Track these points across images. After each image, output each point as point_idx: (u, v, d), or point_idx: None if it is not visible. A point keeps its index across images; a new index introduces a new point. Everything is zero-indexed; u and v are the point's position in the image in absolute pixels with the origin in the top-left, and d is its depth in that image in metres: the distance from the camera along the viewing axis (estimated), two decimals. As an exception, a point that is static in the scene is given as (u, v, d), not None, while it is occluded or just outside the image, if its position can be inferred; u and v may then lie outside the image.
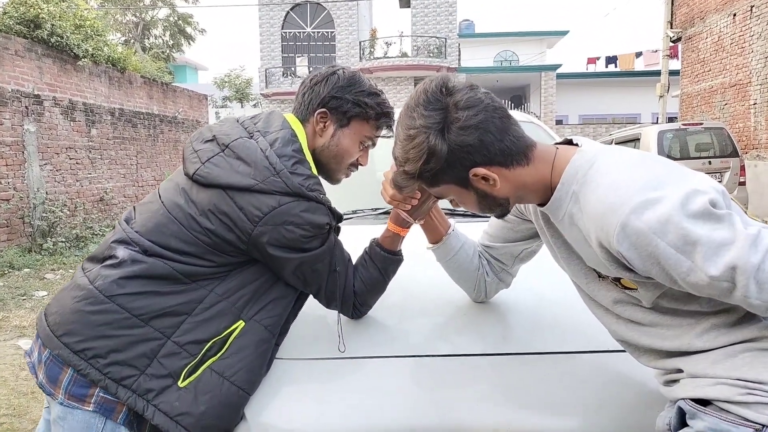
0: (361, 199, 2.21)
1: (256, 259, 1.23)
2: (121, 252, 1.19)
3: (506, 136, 1.03)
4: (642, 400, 1.18)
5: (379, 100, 1.36)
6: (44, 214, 8.03)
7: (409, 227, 1.36)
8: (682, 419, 0.99)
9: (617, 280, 1.05)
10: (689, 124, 9.23)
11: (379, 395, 1.21)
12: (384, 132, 1.41)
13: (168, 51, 30.07)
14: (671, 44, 14.69)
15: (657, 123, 15.66)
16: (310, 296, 1.35)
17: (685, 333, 1.00)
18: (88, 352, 1.13)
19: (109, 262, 1.20)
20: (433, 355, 1.29)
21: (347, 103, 1.33)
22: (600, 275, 1.09)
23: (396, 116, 1.24)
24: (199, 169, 1.21)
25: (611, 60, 25.34)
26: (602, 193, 0.94)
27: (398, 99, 23.45)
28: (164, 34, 30.92)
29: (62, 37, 8.75)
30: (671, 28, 14.22)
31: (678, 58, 15.98)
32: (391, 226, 1.37)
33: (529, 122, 2.86)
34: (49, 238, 8.00)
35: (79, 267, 1.26)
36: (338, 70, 1.37)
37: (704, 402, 0.96)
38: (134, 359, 1.15)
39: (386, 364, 1.28)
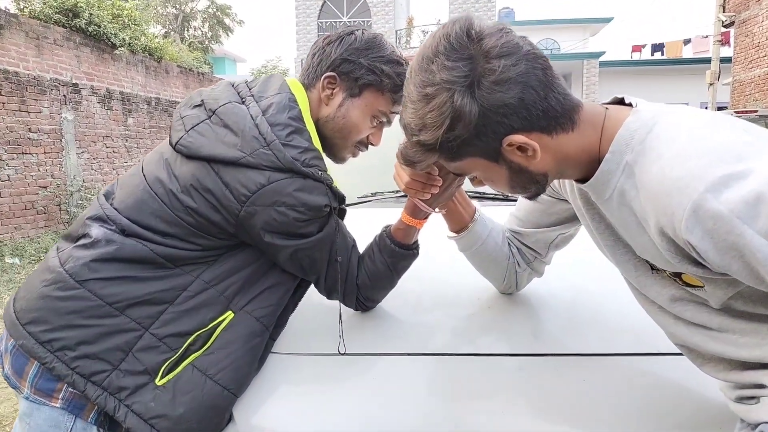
0: (380, 181, 2.03)
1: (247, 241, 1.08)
2: (96, 230, 1.05)
3: (551, 92, 0.80)
4: (702, 415, 0.97)
5: (399, 69, 1.16)
6: (80, 202, 8.15)
7: (426, 218, 1.16)
8: None
9: (677, 275, 0.84)
10: (742, 112, 8.72)
11: (386, 398, 1.04)
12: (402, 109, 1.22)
13: (207, 43, 30.44)
14: (723, 30, 13.96)
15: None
16: (311, 285, 1.19)
17: (765, 341, 0.79)
18: (55, 343, 1.00)
19: (82, 241, 1.06)
20: (449, 354, 1.10)
21: (361, 68, 1.13)
22: (653, 268, 0.89)
23: None
24: (182, 138, 1.06)
25: (657, 47, 24.35)
26: (666, 165, 0.72)
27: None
28: (203, 26, 31.29)
29: (100, 27, 8.86)
30: (724, 11, 13.50)
31: (729, 45, 15.19)
32: (405, 218, 1.16)
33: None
34: (85, 225, 8.10)
35: (54, 246, 1.13)
36: (357, 30, 1.18)
37: None
38: (106, 352, 1.01)
39: (395, 362, 1.11)
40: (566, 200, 1.06)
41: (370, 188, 1.99)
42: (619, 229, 0.89)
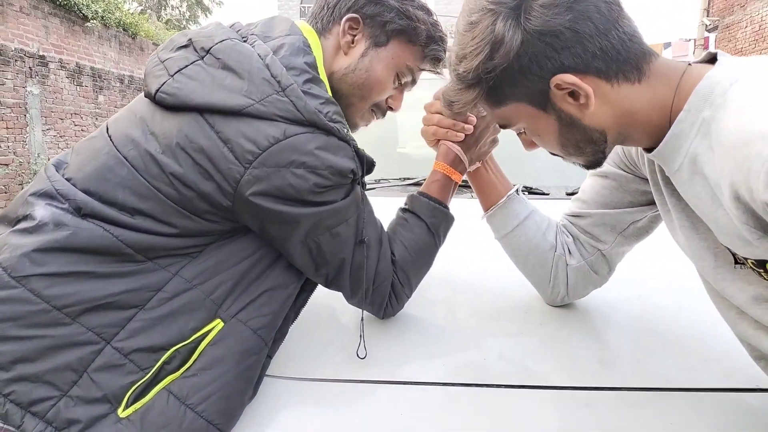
0: (384, 168, 1.81)
1: (245, 227, 0.84)
2: (41, 210, 0.79)
3: (614, 30, 0.68)
4: None
5: (432, 19, 0.97)
6: (45, 181, 7.73)
7: (463, 171, 1.00)
8: None
9: (762, 264, 0.67)
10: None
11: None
12: (431, 66, 1.00)
13: (185, 22, 29.68)
14: (708, 32, 14.04)
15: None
16: (317, 288, 0.95)
17: None
18: None
19: (22, 225, 0.80)
20: (491, 385, 0.86)
21: (390, 10, 0.94)
22: (737, 261, 0.72)
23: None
24: (164, 84, 0.82)
25: (638, 50, 24.63)
26: (748, 112, 0.58)
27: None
28: (181, 5, 30.51)
29: (71, -4, 8.37)
30: (708, 16, 13.54)
31: (708, 50, 15.35)
32: (439, 165, 1.00)
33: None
34: (49, 206, 7.71)
35: None
36: None
37: None
38: (52, 373, 0.75)
39: (422, 393, 0.86)
40: (646, 179, 0.87)
41: (373, 175, 1.77)
42: (697, 208, 0.72)
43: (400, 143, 2.25)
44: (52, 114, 8.34)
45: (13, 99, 7.47)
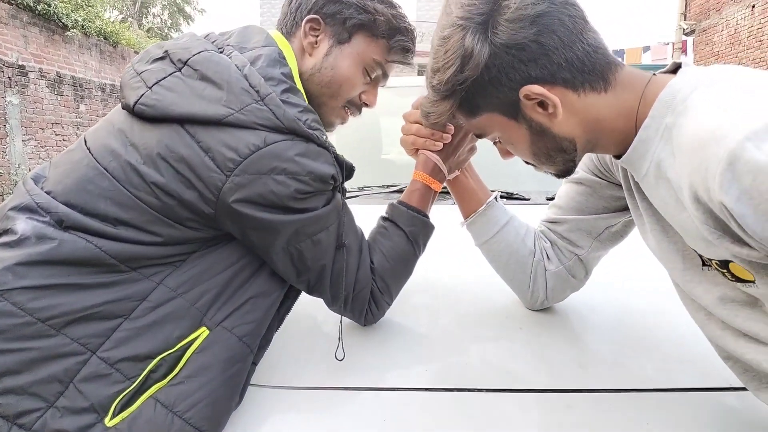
0: (368, 175, 1.83)
1: (228, 234, 0.85)
2: (22, 224, 0.80)
3: (578, 42, 0.72)
4: None
5: (394, 11, 0.99)
6: (26, 192, 7.64)
7: (442, 180, 1.01)
8: None
9: (725, 265, 0.69)
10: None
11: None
12: (400, 58, 1.02)
13: (166, 30, 29.50)
14: (685, 36, 14.29)
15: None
16: (300, 295, 0.96)
17: None
18: None
19: (3, 239, 0.80)
20: (474, 390, 0.88)
21: (349, 7, 0.96)
22: (704, 262, 0.74)
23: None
24: (143, 96, 0.82)
25: (618, 54, 24.86)
26: (704, 117, 0.62)
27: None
28: (163, 13, 30.33)
29: (50, 5, 8.29)
30: (685, 20, 13.80)
31: (686, 54, 15.57)
32: (418, 174, 1.01)
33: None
34: (30, 217, 7.61)
35: None
36: None
37: None
38: (38, 385, 0.75)
39: (406, 399, 0.87)
40: (619, 184, 0.90)
41: (356, 182, 1.78)
42: (663, 211, 0.75)
43: (385, 150, 2.27)
44: (33, 124, 8.24)
45: (-8, 109, 7.39)
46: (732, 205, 0.56)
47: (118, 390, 0.78)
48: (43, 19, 8.37)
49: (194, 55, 0.85)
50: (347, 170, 0.90)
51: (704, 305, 0.77)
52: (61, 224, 0.79)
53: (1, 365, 0.74)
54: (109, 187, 0.80)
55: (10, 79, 7.71)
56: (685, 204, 0.65)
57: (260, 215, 0.81)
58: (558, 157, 0.80)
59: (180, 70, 0.84)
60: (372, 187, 1.74)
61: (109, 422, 0.77)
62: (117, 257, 0.79)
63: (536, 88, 0.72)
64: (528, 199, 1.65)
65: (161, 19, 30.21)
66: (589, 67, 0.72)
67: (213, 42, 0.90)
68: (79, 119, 9.36)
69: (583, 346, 0.99)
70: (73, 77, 9.19)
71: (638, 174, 0.76)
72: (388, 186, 1.73)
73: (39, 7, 8.14)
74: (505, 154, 0.87)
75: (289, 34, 0.99)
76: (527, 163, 0.85)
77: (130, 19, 27.78)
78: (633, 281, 1.14)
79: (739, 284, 0.70)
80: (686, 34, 14.05)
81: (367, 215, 1.09)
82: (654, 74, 0.75)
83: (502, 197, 1.16)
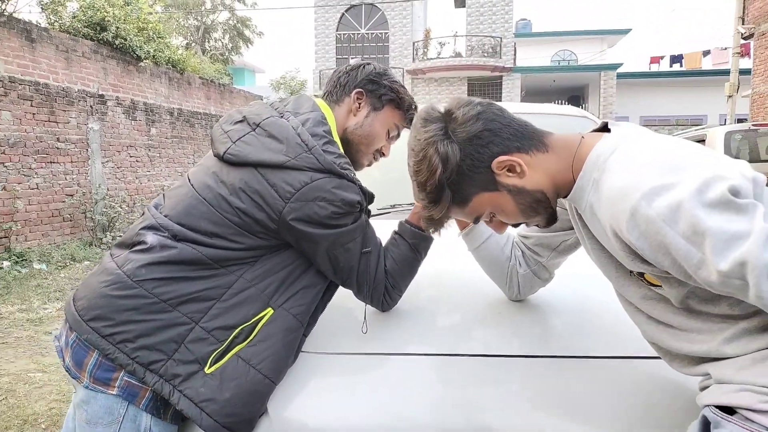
0: (399, 194, 2.17)
1: (286, 243, 1.20)
2: (150, 238, 1.18)
3: (512, 122, 1.01)
4: (678, 410, 1.06)
5: (409, 94, 1.40)
6: (105, 210, 8.38)
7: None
8: (707, 427, 0.90)
9: (642, 275, 0.96)
10: (760, 125, 8.68)
11: (405, 394, 1.14)
12: (408, 125, 1.41)
13: (227, 54, 30.94)
14: (742, 41, 13.91)
15: (725, 124, 14.88)
16: (338, 288, 1.31)
17: (714, 338, 0.91)
18: (116, 336, 1.12)
19: (137, 247, 1.19)
20: (462, 355, 1.21)
21: (383, 87, 1.37)
22: (631, 272, 1.01)
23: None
24: (229, 148, 1.19)
25: (676, 59, 24.26)
26: (617, 179, 0.87)
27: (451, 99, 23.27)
28: (224, 37, 31.83)
29: (126, 40, 9.13)
30: (743, 24, 13.46)
31: (750, 57, 15.11)
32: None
33: (582, 117, 2.73)
34: (108, 233, 8.34)
35: (107, 253, 1.26)
36: (371, 62, 1.41)
37: (730, 410, 0.87)
38: (162, 344, 1.13)
39: (413, 361, 1.21)
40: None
41: (388, 201, 2.12)
42: (598, 236, 1.02)
43: None
44: (110, 147, 9.05)
45: (76, 135, 8.19)
46: (635, 242, 0.84)
47: (212, 349, 1.14)
48: (120, 52, 9.22)
49: (264, 120, 1.21)
50: (369, 198, 1.24)
51: (632, 302, 1.05)
52: (176, 237, 1.17)
53: (138, 330, 1.12)
54: (206, 211, 1.17)
55: (92, 108, 8.53)
56: (609, 236, 0.93)
57: (308, 230, 1.16)
58: (539, 207, 1.02)
59: (254, 129, 1.21)
60: (402, 204, 2.07)
61: (207, 370, 1.13)
62: (212, 259, 1.16)
63: (502, 158, 0.98)
64: None
65: (222, 43, 31.67)
66: (528, 135, 1.00)
67: (276, 109, 1.27)
68: (150, 142, 10.16)
69: (544, 325, 1.31)
70: (145, 103, 10.01)
71: (580, 209, 1.00)
72: (413, 203, 2.06)
73: (117, 42, 8.98)
74: (500, 227, 1.10)
75: (337, 100, 1.36)
76: (518, 225, 1.11)
77: (194, 44, 29.40)
78: (585, 279, 1.41)
79: (653, 287, 0.98)
80: (744, 38, 13.68)
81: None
82: (582, 137, 1.02)
83: None
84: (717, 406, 0.88)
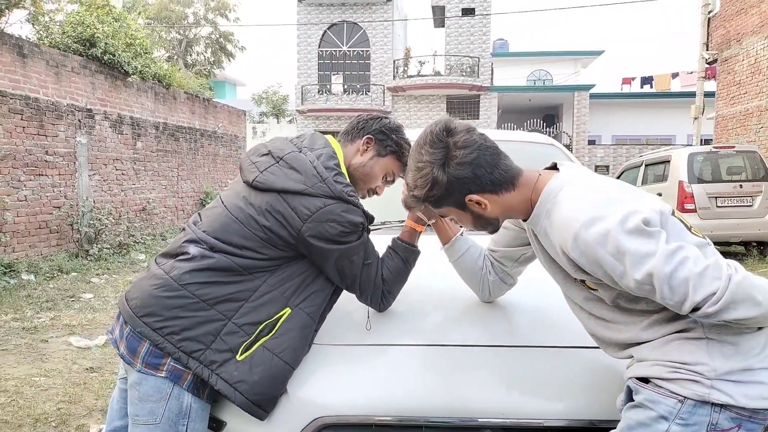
0: (390, 212, 2.45)
1: (302, 254, 1.47)
2: (192, 249, 1.45)
3: (496, 169, 1.26)
4: (612, 386, 1.36)
5: (410, 146, 1.63)
6: (91, 222, 8.50)
7: (423, 225, 1.62)
8: (630, 395, 1.22)
9: (583, 282, 1.27)
10: (721, 147, 9.20)
11: (399, 377, 1.43)
12: (402, 174, 1.67)
13: (209, 67, 31.03)
14: (708, 66, 14.61)
15: (692, 145, 15.52)
16: (343, 292, 1.58)
17: (634, 327, 1.23)
18: (165, 329, 1.38)
19: (182, 257, 1.45)
20: (446, 345, 1.50)
21: (390, 140, 1.64)
22: (574, 278, 1.30)
23: None
24: (257, 177, 1.47)
25: (647, 80, 25.14)
26: (564, 211, 1.17)
27: (429, 117, 23.74)
28: (206, 51, 31.93)
29: (114, 55, 9.30)
30: (707, 50, 14.16)
31: (715, 79, 15.84)
32: (409, 223, 1.63)
33: (549, 144, 3.06)
34: (94, 245, 8.46)
35: (153, 261, 1.52)
36: (390, 117, 1.71)
37: (646, 380, 1.18)
38: (202, 336, 1.39)
39: (406, 351, 1.50)
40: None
41: (380, 218, 2.40)
42: (549, 252, 1.31)
43: (400, 195, 2.92)
44: (97, 160, 9.18)
45: (64, 149, 8.33)
46: (577, 258, 1.15)
47: (242, 341, 1.41)
48: (108, 68, 9.38)
49: (286, 154, 1.49)
50: (370, 219, 1.52)
51: (576, 302, 1.35)
52: (213, 249, 1.44)
53: (183, 324, 1.38)
54: (238, 228, 1.44)
55: (80, 122, 8.68)
56: (558, 253, 1.23)
57: (320, 245, 1.44)
58: (488, 226, 1.35)
59: (278, 162, 1.49)
60: (391, 221, 2.36)
61: (239, 357, 1.40)
62: (242, 267, 1.43)
63: (474, 197, 1.26)
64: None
65: (204, 56, 31.76)
66: (503, 181, 1.26)
67: (295, 144, 1.55)
68: (136, 155, 10.30)
69: (511, 321, 1.62)
70: (131, 117, 10.17)
71: (536, 231, 1.32)
72: (402, 221, 2.34)
73: (105, 57, 9.15)
74: (456, 223, 1.49)
75: (352, 140, 1.64)
76: (471, 230, 1.43)
77: (176, 57, 29.46)
78: (541, 284, 1.69)
79: (591, 291, 1.28)
80: (709, 63, 14.38)
81: (388, 242, 1.71)
82: (539, 174, 1.31)
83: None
84: (637, 378, 1.20)
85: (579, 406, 1.37)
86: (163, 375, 1.39)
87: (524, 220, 1.33)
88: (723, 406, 1.10)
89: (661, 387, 1.15)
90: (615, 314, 1.26)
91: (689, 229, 1.20)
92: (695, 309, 1.06)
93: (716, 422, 1.11)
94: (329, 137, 1.62)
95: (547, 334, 1.54)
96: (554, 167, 1.34)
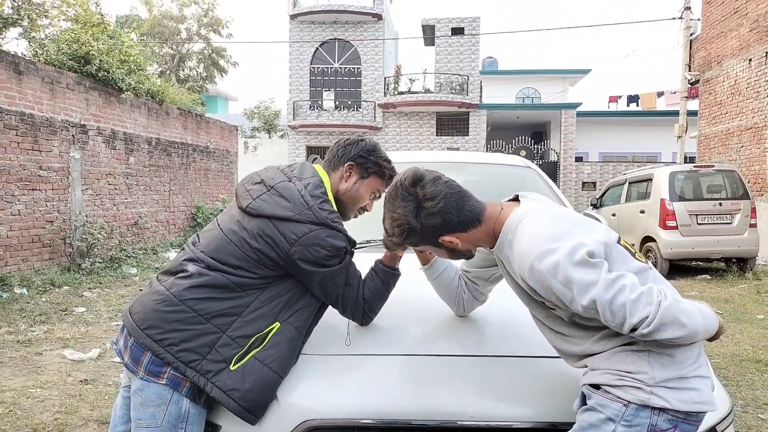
0: (374, 231, 2.60)
1: (290, 274, 1.61)
2: (191, 267, 1.59)
3: (462, 212, 1.44)
4: (571, 391, 1.51)
5: (391, 165, 1.80)
6: (83, 236, 8.58)
7: (404, 250, 1.75)
8: (584, 400, 1.38)
9: (543, 302, 1.43)
10: (700, 166, 9.47)
11: (380, 384, 1.57)
12: (386, 189, 1.82)
13: (201, 82, 31.21)
14: (690, 86, 15.00)
15: (676, 163, 15.85)
16: (329, 307, 1.73)
17: (587, 340, 1.39)
18: (165, 341, 1.52)
19: (181, 274, 1.59)
20: (422, 355, 1.65)
21: (370, 162, 1.76)
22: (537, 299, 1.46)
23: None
24: (250, 203, 1.62)
25: (633, 99, 25.60)
26: (522, 243, 1.34)
27: (419, 133, 24.02)
28: (198, 66, 32.12)
29: (108, 72, 9.44)
30: (689, 71, 14.55)
31: (698, 98, 16.22)
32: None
33: (526, 167, 3.24)
34: (87, 259, 8.54)
35: (155, 278, 1.66)
36: (366, 138, 1.82)
37: (597, 387, 1.35)
38: (199, 347, 1.53)
39: (386, 360, 1.65)
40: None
41: (364, 237, 2.56)
42: (513, 276, 1.47)
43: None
44: (90, 175, 9.28)
45: (58, 164, 8.44)
46: (533, 286, 1.33)
47: (236, 352, 1.55)
48: (102, 84, 9.52)
49: (277, 183, 1.64)
50: (352, 243, 1.67)
51: (540, 318, 1.52)
52: (209, 267, 1.58)
53: (182, 336, 1.52)
54: (232, 250, 1.59)
55: (74, 137, 8.80)
56: (518, 279, 1.40)
57: (306, 267, 1.58)
58: (461, 256, 1.54)
59: (269, 190, 1.64)
60: (375, 240, 2.51)
61: (232, 367, 1.54)
62: (236, 284, 1.57)
63: (446, 237, 1.45)
64: None
65: (197, 71, 31.94)
66: (470, 220, 1.43)
67: (285, 174, 1.70)
68: (128, 170, 10.41)
69: (482, 334, 1.78)
70: (124, 133, 10.29)
71: (501, 257, 1.49)
72: (387, 240, 2.51)
73: (99, 74, 9.30)
74: (432, 256, 1.67)
75: (335, 168, 1.76)
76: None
77: (168, 72, 29.62)
78: (509, 302, 1.83)
79: (551, 310, 1.44)
80: (691, 84, 14.76)
81: (372, 258, 1.86)
82: (502, 208, 1.48)
83: None
84: (590, 384, 1.36)
85: (543, 409, 1.52)
86: (163, 382, 1.53)
87: (491, 248, 1.50)
88: (661, 410, 1.27)
89: (609, 392, 1.31)
90: (571, 329, 1.42)
91: (633, 255, 1.37)
92: (633, 329, 1.23)
93: (656, 424, 1.27)
94: (318, 166, 1.77)
95: (514, 345, 1.70)
96: (516, 199, 1.50)
